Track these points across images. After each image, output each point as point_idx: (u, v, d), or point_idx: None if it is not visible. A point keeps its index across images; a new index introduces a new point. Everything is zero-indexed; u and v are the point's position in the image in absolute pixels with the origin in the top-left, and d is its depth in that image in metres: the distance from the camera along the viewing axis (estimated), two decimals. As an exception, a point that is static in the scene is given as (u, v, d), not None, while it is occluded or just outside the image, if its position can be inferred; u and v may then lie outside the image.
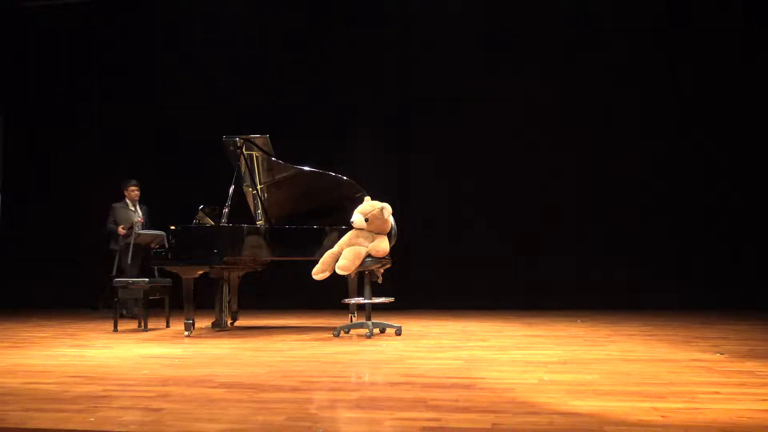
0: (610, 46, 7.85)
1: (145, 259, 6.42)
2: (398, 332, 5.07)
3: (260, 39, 8.64)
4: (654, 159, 7.66)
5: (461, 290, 7.73)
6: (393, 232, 5.07)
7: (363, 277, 5.05)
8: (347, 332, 5.12)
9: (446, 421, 2.26)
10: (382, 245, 4.88)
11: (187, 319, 5.22)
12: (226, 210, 5.31)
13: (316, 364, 3.62)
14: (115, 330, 5.61)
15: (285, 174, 5.53)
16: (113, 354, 4.18)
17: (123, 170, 8.69)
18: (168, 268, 5.55)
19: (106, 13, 9.11)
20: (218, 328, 5.66)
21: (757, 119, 7.50)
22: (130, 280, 5.78)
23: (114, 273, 6.76)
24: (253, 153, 5.49)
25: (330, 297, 6.05)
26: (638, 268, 7.48)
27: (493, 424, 2.21)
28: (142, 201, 7.33)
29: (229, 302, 5.95)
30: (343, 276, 5.02)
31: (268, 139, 5.47)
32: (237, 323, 6.10)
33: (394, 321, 5.35)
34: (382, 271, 5.09)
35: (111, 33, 9.09)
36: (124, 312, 6.74)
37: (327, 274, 4.90)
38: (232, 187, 5.43)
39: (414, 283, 7.76)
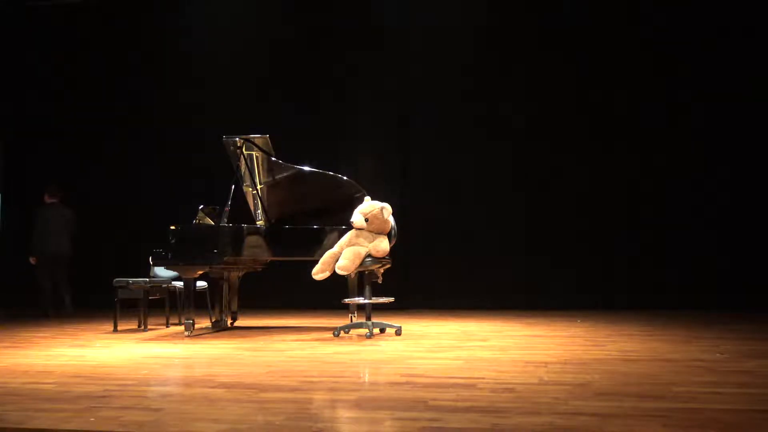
0: (613, 43, 7.84)
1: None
2: (398, 332, 5.06)
3: (260, 38, 8.63)
4: (653, 158, 7.64)
5: (461, 290, 7.72)
6: (393, 232, 5.07)
7: (363, 277, 5.04)
8: (347, 332, 5.12)
9: (446, 421, 2.26)
10: (382, 245, 4.88)
11: (187, 319, 5.22)
12: (227, 210, 5.32)
13: (316, 364, 3.62)
14: (115, 330, 5.61)
15: (285, 174, 5.53)
16: (113, 354, 4.18)
17: (122, 170, 8.74)
18: (168, 268, 5.55)
19: (105, 13, 9.10)
20: (218, 328, 5.66)
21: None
22: (131, 280, 5.78)
23: None
24: (253, 153, 5.49)
25: (330, 297, 6.05)
26: (638, 268, 7.47)
27: (493, 424, 2.21)
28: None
29: (229, 302, 5.95)
30: (343, 276, 5.02)
31: (268, 139, 5.47)
32: (237, 323, 6.10)
33: (394, 321, 5.35)
34: (382, 271, 5.09)
35: (111, 33, 9.09)
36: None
37: (327, 274, 4.90)
38: (232, 187, 5.43)
39: (414, 283, 7.75)
